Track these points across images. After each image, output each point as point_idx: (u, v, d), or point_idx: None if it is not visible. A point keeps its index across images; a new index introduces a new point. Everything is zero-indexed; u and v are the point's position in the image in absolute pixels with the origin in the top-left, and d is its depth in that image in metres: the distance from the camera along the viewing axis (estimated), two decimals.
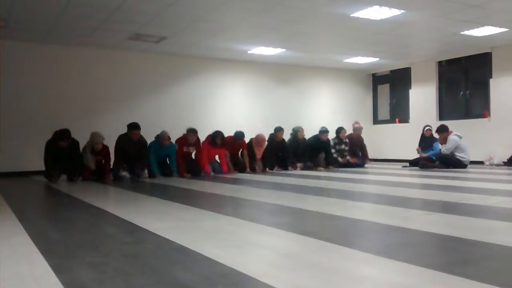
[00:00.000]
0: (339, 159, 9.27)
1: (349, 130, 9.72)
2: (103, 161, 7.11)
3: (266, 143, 8.57)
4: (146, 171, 7.40)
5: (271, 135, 8.73)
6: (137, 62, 9.29)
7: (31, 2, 6.13)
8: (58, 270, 1.90)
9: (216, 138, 7.77)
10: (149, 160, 7.30)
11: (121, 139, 7.14)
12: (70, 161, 6.89)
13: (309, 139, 9.15)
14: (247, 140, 8.38)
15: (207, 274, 1.82)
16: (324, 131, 9.08)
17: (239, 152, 8.36)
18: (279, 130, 8.69)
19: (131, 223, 3.04)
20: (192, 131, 7.64)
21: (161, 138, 7.36)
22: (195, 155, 7.86)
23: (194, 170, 7.63)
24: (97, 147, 6.95)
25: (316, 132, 9.17)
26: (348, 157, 9.39)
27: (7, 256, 2.20)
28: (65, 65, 8.63)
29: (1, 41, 7.92)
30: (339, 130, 9.42)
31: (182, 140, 7.71)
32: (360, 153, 9.69)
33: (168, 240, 2.46)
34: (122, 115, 8.71)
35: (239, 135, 8.17)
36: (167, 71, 9.64)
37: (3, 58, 8.01)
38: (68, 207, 4.14)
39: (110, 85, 9.02)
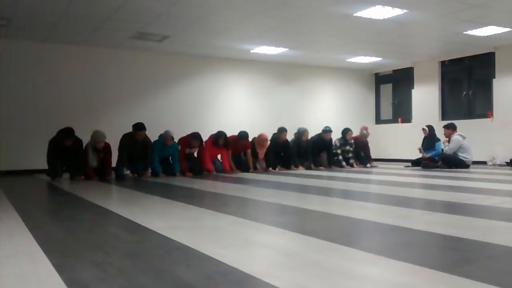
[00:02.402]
0: (343, 163, 9.17)
1: (355, 131, 9.67)
2: (103, 155, 7.07)
3: (269, 142, 8.55)
4: (149, 170, 7.41)
5: (274, 135, 8.71)
6: (140, 61, 9.30)
7: (33, 1, 6.14)
8: (60, 269, 1.91)
9: (219, 139, 7.77)
10: (152, 160, 7.31)
11: (126, 139, 7.14)
12: (74, 159, 6.91)
13: (311, 137, 9.09)
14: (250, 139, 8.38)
15: (209, 273, 1.82)
16: (327, 130, 9.03)
17: (242, 152, 8.35)
18: (282, 130, 8.64)
19: (134, 222, 3.05)
20: (196, 138, 7.62)
21: (165, 138, 7.39)
22: (198, 154, 7.85)
23: (196, 169, 7.65)
24: (99, 146, 6.95)
25: (318, 131, 9.15)
26: (352, 161, 9.30)
27: (9, 255, 2.21)
28: (67, 64, 8.65)
29: (3, 40, 7.95)
30: (346, 131, 9.33)
31: (185, 142, 7.69)
32: (363, 153, 9.64)
33: (170, 239, 2.47)
34: (124, 114, 8.73)
35: (243, 135, 8.12)
36: (170, 70, 9.65)
37: (5, 57, 8.04)
38: (71, 206, 4.15)
39: (112, 84, 9.04)
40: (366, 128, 9.73)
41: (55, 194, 5.34)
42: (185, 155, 7.66)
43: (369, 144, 9.81)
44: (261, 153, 8.43)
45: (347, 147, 9.34)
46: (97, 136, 6.96)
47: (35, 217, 3.46)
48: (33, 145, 8.03)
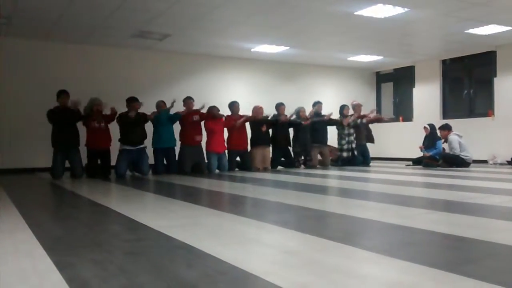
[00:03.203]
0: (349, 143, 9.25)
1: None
2: (103, 124, 7.15)
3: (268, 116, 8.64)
4: (150, 170, 7.43)
5: (275, 114, 8.81)
6: (141, 60, 9.30)
7: None
8: (61, 266, 1.91)
9: (213, 108, 7.85)
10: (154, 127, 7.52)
11: (121, 117, 7.24)
12: (73, 125, 6.97)
13: (309, 114, 9.22)
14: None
15: (209, 272, 1.82)
16: (316, 102, 9.37)
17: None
18: (280, 105, 8.86)
19: (134, 220, 3.05)
20: (189, 98, 7.85)
21: (157, 106, 7.68)
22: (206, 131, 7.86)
23: (198, 168, 7.65)
24: (95, 108, 7.07)
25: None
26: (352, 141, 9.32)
27: (10, 252, 2.21)
28: (68, 62, 8.65)
29: (3, 38, 7.95)
30: (343, 108, 9.44)
31: (185, 112, 7.75)
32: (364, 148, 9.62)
33: (170, 237, 2.47)
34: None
35: (231, 102, 8.33)
36: (170, 69, 9.65)
37: (6, 55, 8.04)
38: (72, 204, 4.15)
39: (113, 83, 9.02)
40: (354, 100, 9.86)
41: (55, 192, 5.34)
42: (193, 126, 7.69)
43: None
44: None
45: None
46: (94, 99, 7.16)
47: (36, 215, 3.47)
48: (33, 143, 8.03)
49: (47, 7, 6.47)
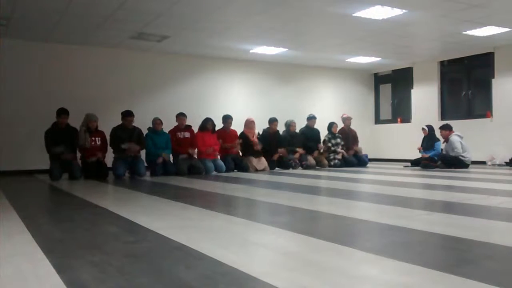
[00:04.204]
0: (336, 156, 9.28)
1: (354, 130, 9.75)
2: (99, 141, 7.20)
3: (258, 132, 8.69)
4: (148, 172, 7.43)
5: (266, 128, 8.86)
6: (139, 61, 9.30)
7: (33, 1, 6.14)
8: (60, 269, 1.91)
9: (206, 123, 7.94)
10: (148, 150, 7.49)
11: (115, 128, 7.30)
12: (69, 143, 7.00)
13: (300, 130, 9.36)
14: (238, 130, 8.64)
15: (208, 273, 1.82)
16: (311, 117, 9.45)
17: (237, 144, 8.36)
18: (273, 120, 8.86)
19: (133, 222, 3.05)
20: (181, 114, 7.93)
21: (153, 123, 7.67)
22: (191, 143, 7.91)
23: (194, 169, 7.64)
24: (91, 125, 7.12)
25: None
26: (343, 151, 9.40)
27: (9, 255, 2.20)
28: (67, 64, 8.65)
29: (2, 39, 7.94)
30: (331, 125, 9.54)
31: (174, 128, 7.93)
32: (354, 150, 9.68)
33: (169, 239, 2.47)
34: None
35: (226, 115, 8.42)
36: (169, 70, 9.65)
37: (5, 57, 8.03)
38: (70, 206, 4.15)
39: (112, 84, 9.04)
40: (345, 113, 10.09)
41: (54, 194, 5.34)
42: (180, 143, 7.77)
43: (368, 142, 9.84)
44: (251, 135, 8.51)
45: (338, 140, 9.47)
46: (89, 115, 7.18)
47: (35, 217, 3.46)
48: (32, 145, 8.01)
49: (46, 9, 6.47)
